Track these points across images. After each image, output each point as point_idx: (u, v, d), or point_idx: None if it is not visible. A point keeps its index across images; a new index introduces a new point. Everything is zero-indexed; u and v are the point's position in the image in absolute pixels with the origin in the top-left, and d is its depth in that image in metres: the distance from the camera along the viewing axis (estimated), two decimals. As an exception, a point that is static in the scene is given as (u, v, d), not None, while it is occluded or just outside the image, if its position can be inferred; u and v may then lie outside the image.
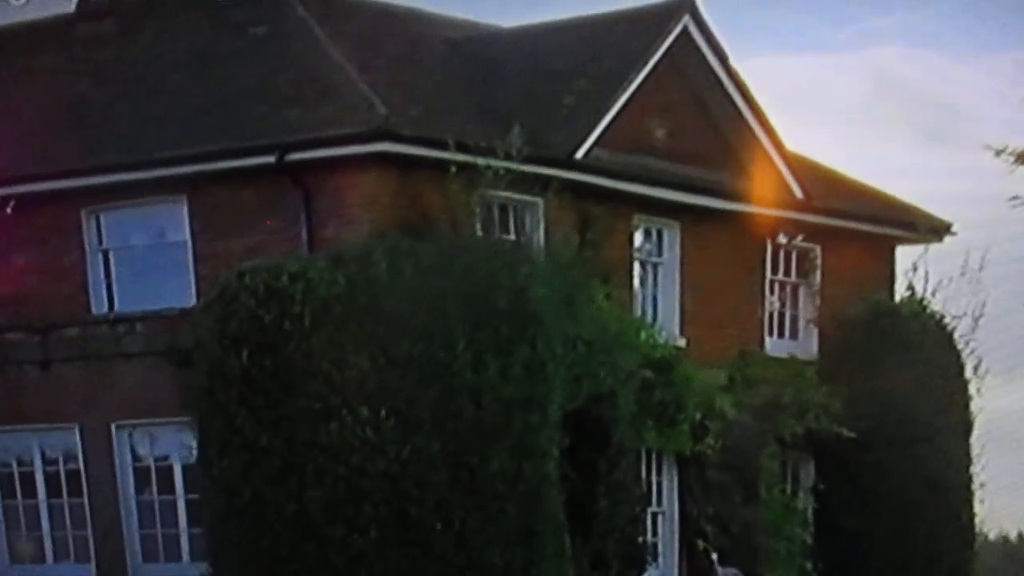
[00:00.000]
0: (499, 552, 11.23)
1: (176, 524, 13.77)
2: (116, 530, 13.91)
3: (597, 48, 14.21)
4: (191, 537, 13.60)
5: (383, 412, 11.62)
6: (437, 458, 11.36)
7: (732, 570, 13.03)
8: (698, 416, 13.28)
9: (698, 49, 14.49)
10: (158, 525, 13.84)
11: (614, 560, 12.68)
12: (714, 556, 13.53)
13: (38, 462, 14.45)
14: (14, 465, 14.57)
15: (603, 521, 12.46)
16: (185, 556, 13.74)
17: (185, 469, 13.54)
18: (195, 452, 12.88)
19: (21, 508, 14.54)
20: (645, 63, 13.89)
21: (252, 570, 12.20)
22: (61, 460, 14.33)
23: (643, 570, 13.35)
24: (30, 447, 14.49)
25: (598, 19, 14.83)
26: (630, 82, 13.69)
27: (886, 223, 16.32)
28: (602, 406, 12.27)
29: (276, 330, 12.14)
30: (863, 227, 16.00)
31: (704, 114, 14.82)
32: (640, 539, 13.30)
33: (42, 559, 14.51)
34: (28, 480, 14.51)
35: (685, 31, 14.41)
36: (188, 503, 13.60)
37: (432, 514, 11.29)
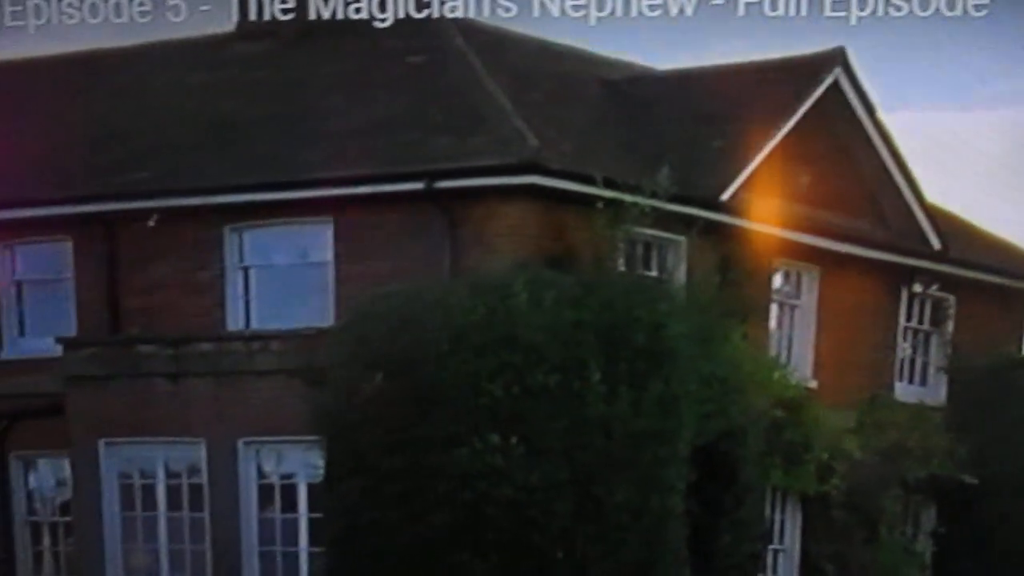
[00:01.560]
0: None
1: (296, 543, 16.25)
2: (235, 546, 16.43)
3: (748, 94, 16.60)
4: (310, 556, 16.05)
5: (513, 440, 13.78)
6: (564, 487, 13.42)
7: None
8: (825, 456, 15.22)
9: (847, 100, 16.86)
10: (278, 543, 16.34)
11: None
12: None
13: (161, 475, 17.09)
14: (136, 477, 17.22)
15: (724, 556, 14.46)
16: (303, 575, 16.09)
17: (310, 488, 16.02)
18: (321, 472, 15.30)
19: (140, 520, 17.17)
20: (795, 111, 16.31)
21: (370, 592, 14.41)
22: (184, 474, 16.95)
23: None
24: (154, 460, 17.14)
25: (751, 67, 17.33)
26: (779, 129, 16.05)
27: (1020, 277, 18.41)
28: (731, 443, 14.29)
29: (411, 354, 14.47)
30: (997, 280, 18.12)
31: (848, 162, 17.23)
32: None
33: (157, 572, 17.09)
34: (149, 492, 17.14)
35: (836, 82, 16.80)
36: (310, 522, 16.06)
37: (554, 542, 13.36)
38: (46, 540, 19.23)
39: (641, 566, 13.41)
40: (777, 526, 16.58)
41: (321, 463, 15.28)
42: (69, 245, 18.58)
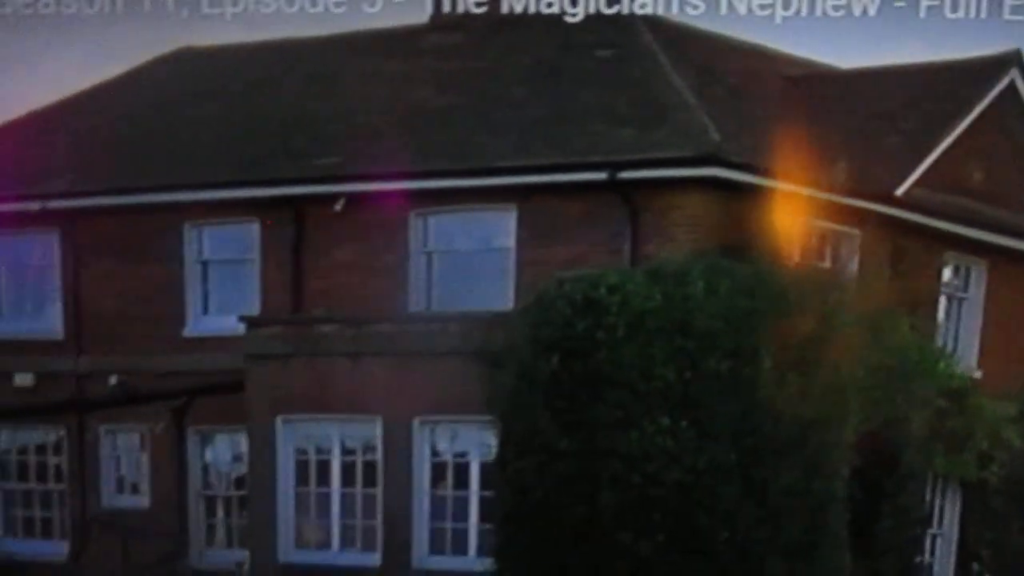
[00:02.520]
0: (780, 564, 14.88)
1: (467, 519, 18.43)
2: (405, 522, 18.67)
3: (925, 93, 18.54)
4: (480, 533, 18.21)
5: (683, 423, 15.58)
6: (731, 470, 15.17)
7: None
8: (985, 445, 16.82)
9: (1021, 100, 18.51)
10: (448, 519, 18.51)
11: None
12: (986, 579, 16.93)
13: (336, 451, 19.41)
14: (311, 453, 19.57)
15: (884, 540, 16.11)
16: (472, 551, 18.36)
17: (482, 467, 18.17)
18: (494, 451, 17.33)
19: (313, 495, 19.51)
20: (970, 110, 18.10)
21: (536, 569, 16.37)
22: (359, 451, 19.23)
23: None
24: (330, 436, 19.48)
25: (929, 67, 19.36)
26: (954, 127, 17.86)
27: None
28: (895, 430, 15.95)
29: (588, 338, 16.42)
30: None
31: (1020, 159, 18.77)
32: (918, 559, 16.71)
33: (328, 545, 19.41)
34: (324, 468, 19.48)
35: (1011, 83, 18.47)
36: (481, 500, 18.23)
37: (719, 524, 15.13)
38: (220, 513, 21.99)
39: (803, 548, 15.11)
40: (936, 511, 18.42)
41: (494, 442, 17.43)
42: (256, 227, 21.23)
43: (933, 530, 18.70)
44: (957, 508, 18.89)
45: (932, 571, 18.60)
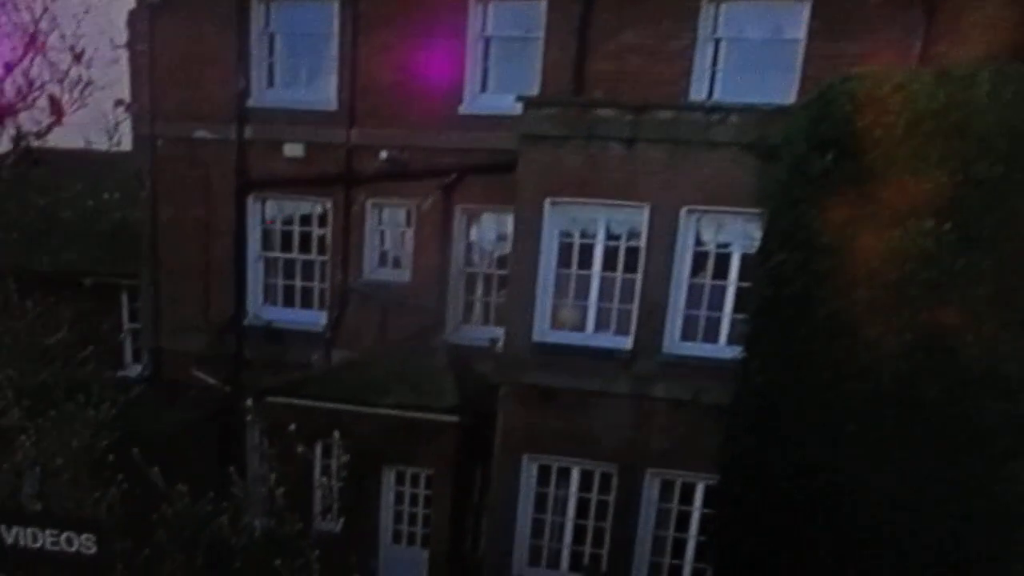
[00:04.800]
0: (1017, 366, 18.22)
1: (721, 308, 22.73)
2: (660, 308, 22.99)
3: None
4: (732, 322, 22.44)
5: (947, 226, 18.88)
6: (984, 274, 18.46)
7: None
8: None
9: None
10: (703, 307, 22.70)
11: None
12: None
13: (601, 236, 23.62)
14: (576, 237, 23.77)
15: None
16: (722, 339, 22.79)
17: (743, 258, 22.21)
18: (756, 243, 21.01)
19: (573, 278, 23.85)
20: None
21: (783, 359, 20.09)
22: (624, 237, 23.35)
23: None
24: (596, 221, 23.66)
25: None
26: None
27: None
28: None
29: (865, 136, 19.81)
30: None
31: None
32: None
33: (582, 328, 23.79)
34: (587, 252, 23.81)
35: None
36: (738, 290, 22.40)
37: (967, 325, 18.52)
38: (479, 290, 26.80)
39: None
40: None
41: (757, 235, 21.21)
42: (543, 5, 25.41)
43: None
44: None
45: None
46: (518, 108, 23.89)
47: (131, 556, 21.00)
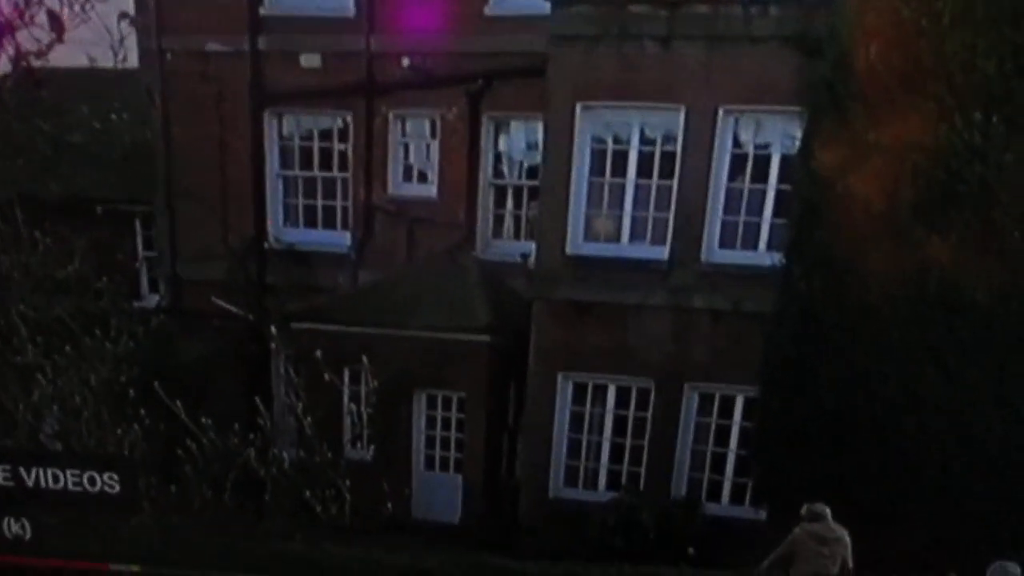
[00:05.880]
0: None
1: (760, 213, 23.27)
2: (698, 215, 23.55)
3: None
4: (772, 227, 23.03)
5: (995, 118, 19.38)
6: (1035, 167, 19.05)
7: None
8: None
9: None
10: (742, 212, 23.40)
11: None
12: None
13: (635, 141, 24.12)
14: (609, 143, 24.30)
15: None
16: (762, 245, 23.33)
17: (783, 159, 22.69)
18: (797, 143, 21.54)
19: (607, 186, 24.44)
20: None
21: (826, 263, 20.68)
22: (659, 141, 23.86)
23: None
24: (630, 125, 24.19)
25: None
26: None
27: None
28: None
29: (911, 26, 20.26)
30: None
31: None
32: None
33: (617, 239, 24.43)
34: (620, 159, 24.31)
35: None
36: (778, 194, 22.91)
37: (1014, 222, 18.98)
38: (509, 203, 27.43)
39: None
40: None
41: (798, 135, 21.68)
42: (571, -102, 25.59)
43: None
44: None
45: None
46: (547, 8, 24.22)
47: (157, 493, 21.83)
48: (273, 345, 27.18)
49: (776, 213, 23.23)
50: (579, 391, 25.48)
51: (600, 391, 25.44)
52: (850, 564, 17.71)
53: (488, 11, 26.68)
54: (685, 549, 22.66)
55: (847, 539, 17.72)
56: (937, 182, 20.07)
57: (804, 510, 17.95)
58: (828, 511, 17.85)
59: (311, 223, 29.30)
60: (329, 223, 29.12)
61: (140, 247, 31.29)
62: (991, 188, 19.73)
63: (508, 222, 27.69)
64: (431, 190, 27.98)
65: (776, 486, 22.10)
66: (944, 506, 20.44)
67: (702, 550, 22.89)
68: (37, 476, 17.54)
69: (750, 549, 18.86)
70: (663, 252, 24.08)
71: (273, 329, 26.80)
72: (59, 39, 25.73)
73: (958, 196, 19.89)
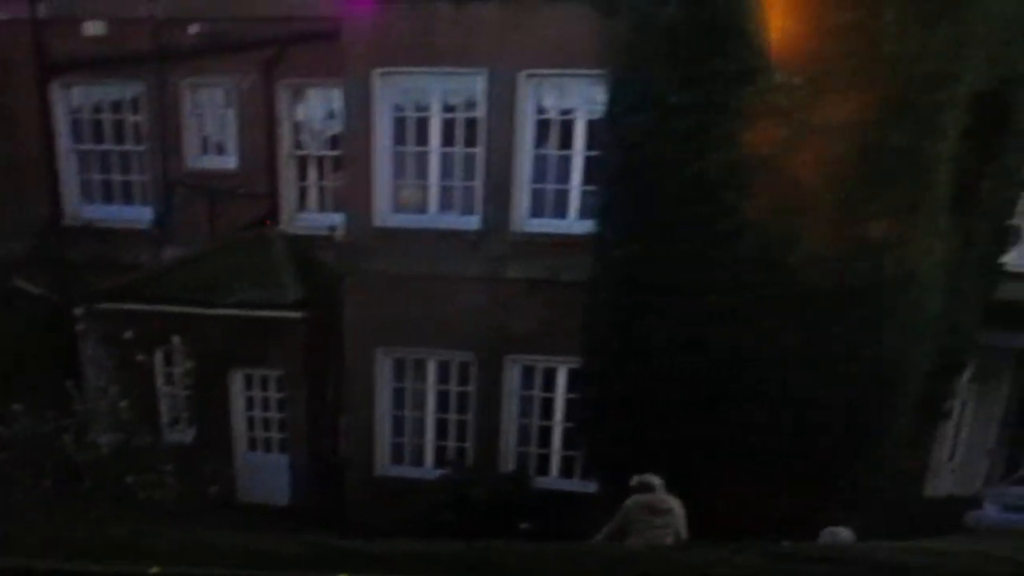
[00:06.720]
0: (878, 225, 18.44)
1: (568, 180, 22.53)
2: (506, 183, 22.76)
3: None
4: (582, 194, 22.28)
5: (796, 80, 18.89)
6: (844, 128, 18.52)
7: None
8: None
9: None
10: (550, 179, 22.63)
11: (982, 238, 20.38)
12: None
13: (436, 107, 23.26)
14: (410, 110, 23.41)
15: (983, 201, 19.68)
16: (572, 213, 22.62)
17: (589, 124, 21.97)
18: (602, 107, 20.92)
19: (411, 156, 23.59)
20: None
21: (640, 229, 20.11)
22: (461, 107, 23.03)
23: (1005, 251, 21.44)
24: (430, 92, 23.33)
25: None
26: None
27: None
28: (1010, 90, 19.14)
29: (709, -16, 19.67)
30: None
31: None
32: (1010, 221, 20.67)
33: (424, 208, 23.57)
34: (423, 126, 23.50)
35: None
36: (585, 160, 22.18)
37: (823, 183, 18.57)
38: (312, 175, 26.42)
39: (903, 208, 18.78)
40: None
41: (603, 98, 20.98)
42: None
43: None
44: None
45: (1020, 233, 22.76)
46: (336, -32, 23.41)
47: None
48: (80, 327, 26.13)
49: (585, 180, 22.65)
50: (399, 366, 24.84)
51: (420, 366, 24.80)
52: (683, 534, 17.42)
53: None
54: (517, 524, 22.23)
55: (679, 510, 17.33)
56: (745, 143, 19.45)
57: (634, 481, 17.61)
58: (658, 482, 17.51)
59: (109, 199, 28.20)
60: (128, 198, 28.03)
61: (-69, 228, 29.96)
62: (799, 150, 19.24)
63: (313, 194, 26.74)
64: (230, 162, 26.95)
65: (605, 457, 21.65)
66: (774, 470, 20.11)
67: (535, 524, 22.49)
68: None
69: (584, 522, 18.50)
70: (474, 222, 23.45)
71: (79, 310, 25.80)
72: None
73: (767, 158, 19.26)
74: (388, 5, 22.96)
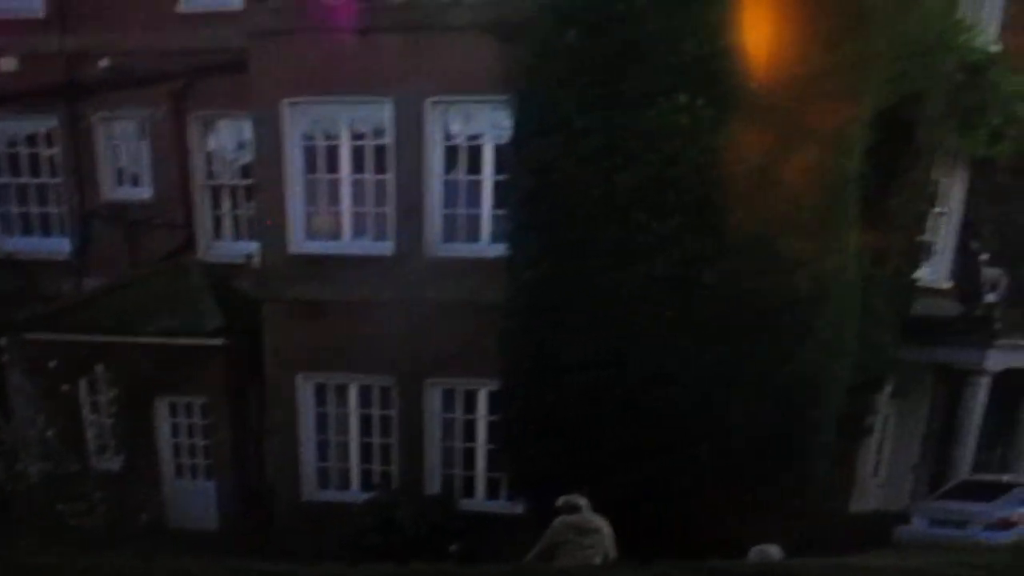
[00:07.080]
0: (790, 243, 18.79)
1: (479, 204, 22.76)
2: (418, 209, 22.97)
3: None
4: (493, 219, 22.55)
5: (700, 101, 19.21)
6: (749, 146, 18.86)
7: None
8: (998, 121, 20.62)
9: None
10: (462, 204, 22.87)
11: (894, 256, 20.58)
12: (984, 257, 21.33)
13: (345, 136, 23.43)
14: (320, 138, 23.60)
15: (894, 217, 20.08)
16: (485, 237, 22.84)
17: (497, 149, 22.30)
18: (509, 132, 21.17)
19: (323, 183, 23.78)
20: None
21: (553, 251, 20.40)
22: (370, 135, 23.24)
23: (917, 266, 21.60)
24: (339, 120, 23.51)
25: None
26: None
27: None
28: (912, 106, 19.63)
29: (609, 10, 19.89)
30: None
31: None
32: (922, 236, 21.05)
33: (338, 235, 23.82)
34: (333, 155, 23.64)
35: None
36: (495, 184, 22.47)
37: (734, 202, 18.91)
38: (226, 204, 26.51)
39: (813, 225, 19.14)
40: (943, 189, 22.95)
41: (509, 123, 21.23)
42: None
43: (938, 208, 23.65)
44: (964, 186, 23.91)
45: (932, 249, 23.48)
46: (240, 1, 23.51)
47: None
48: (6, 357, 26.15)
49: (496, 204, 22.75)
50: (320, 391, 24.88)
51: (342, 391, 24.84)
52: (612, 554, 17.61)
53: (181, 7, 25.78)
54: (446, 546, 22.37)
55: (607, 529, 17.35)
56: (654, 163, 19.70)
57: (560, 502, 17.79)
58: (584, 502, 17.66)
59: (28, 231, 28.15)
60: (47, 230, 28.00)
61: None
62: (707, 170, 19.48)
63: (228, 222, 26.78)
64: (146, 193, 27.01)
65: (528, 477, 21.84)
66: (699, 487, 20.25)
67: (463, 546, 22.68)
68: None
69: (511, 543, 18.64)
70: (388, 247, 23.57)
71: (3, 340, 25.81)
72: None
73: (676, 178, 19.56)
74: (294, 36, 23.13)
